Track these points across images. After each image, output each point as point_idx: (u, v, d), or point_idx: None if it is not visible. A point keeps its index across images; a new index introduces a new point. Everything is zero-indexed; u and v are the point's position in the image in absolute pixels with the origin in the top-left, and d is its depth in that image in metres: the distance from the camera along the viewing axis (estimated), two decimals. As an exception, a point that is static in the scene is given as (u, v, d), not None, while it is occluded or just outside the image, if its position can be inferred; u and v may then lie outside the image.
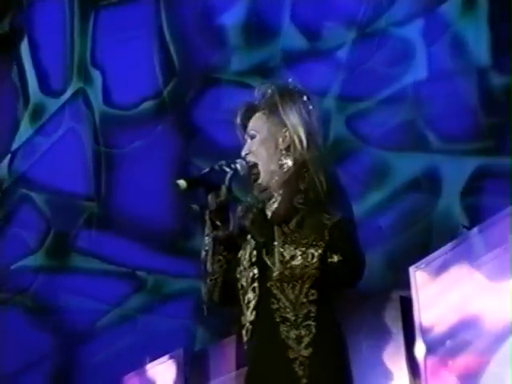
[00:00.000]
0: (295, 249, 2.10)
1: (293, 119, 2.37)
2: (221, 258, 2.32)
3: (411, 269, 3.78)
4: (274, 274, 2.12)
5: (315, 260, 2.10)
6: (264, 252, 2.18)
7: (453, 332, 3.47)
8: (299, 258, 2.10)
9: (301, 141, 2.35)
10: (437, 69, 4.87)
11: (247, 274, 2.23)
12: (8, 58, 6.42)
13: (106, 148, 6.05)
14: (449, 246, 3.65)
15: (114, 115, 6.09)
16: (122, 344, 5.55)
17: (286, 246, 2.11)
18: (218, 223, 2.29)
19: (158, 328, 5.45)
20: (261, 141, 2.37)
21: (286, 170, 2.33)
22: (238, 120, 2.45)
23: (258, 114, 2.42)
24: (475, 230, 3.54)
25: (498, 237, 3.36)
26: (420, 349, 3.61)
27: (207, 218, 2.29)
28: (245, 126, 2.44)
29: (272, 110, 2.39)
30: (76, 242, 5.99)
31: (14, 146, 6.36)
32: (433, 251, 3.74)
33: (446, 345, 3.49)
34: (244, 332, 2.20)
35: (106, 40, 6.21)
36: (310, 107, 2.43)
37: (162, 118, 5.92)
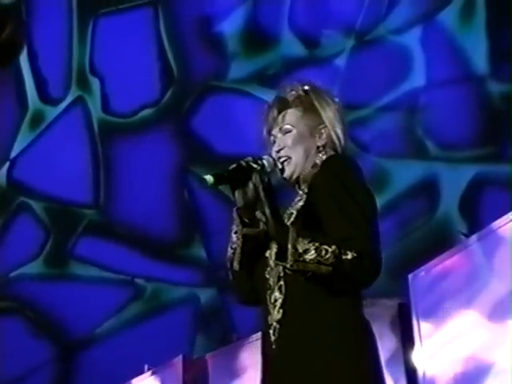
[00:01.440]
0: (309, 243, 2.09)
1: (331, 116, 2.34)
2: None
3: (410, 276, 3.78)
4: (288, 266, 2.07)
5: (329, 256, 2.07)
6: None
7: (451, 339, 3.47)
8: (312, 252, 2.07)
9: (339, 138, 2.32)
10: (435, 76, 4.89)
11: (273, 273, 2.20)
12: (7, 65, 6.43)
13: (104, 155, 6.06)
14: (447, 253, 3.65)
15: (112, 123, 6.09)
16: (121, 351, 5.54)
17: (300, 239, 2.09)
18: (247, 220, 2.23)
19: (157, 335, 5.45)
20: (298, 136, 2.32)
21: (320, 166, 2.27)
22: (269, 114, 2.38)
23: (291, 110, 2.36)
24: (474, 237, 3.54)
25: (496, 244, 3.36)
26: (418, 356, 3.60)
27: (235, 215, 2.24)
28: (274, 121, 2.37)
29: (307, 107, 2.35)
30: (75, 250, 5.99)
31: (13, 153, 6.36)
32: (431, 258, 3.73)
33: (445, 352, 3.49)
34: (271, 331, 2.17)
35: (105, 48, 6.22)
36: (341, 108, 2.39)
37: (160, 125, 5.92)
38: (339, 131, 2.34)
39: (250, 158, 2.23)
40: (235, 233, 2.28)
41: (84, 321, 5.77)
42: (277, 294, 2.19)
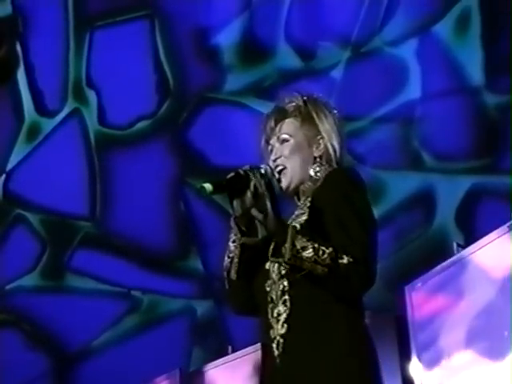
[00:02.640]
0: (307, 241, 2.08)
1: (328, 128, 2.36)
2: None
3: (407, 288, 3.78)
4: (285, 260, 2.09)
5: (326, 256, 2.06)
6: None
7: (448, 351, 3.47)
8: (310, 250, 2.06)
9: (335, 150, 2.34)
10: (431, 88, 4.90)
11: (277, 287, 2.20)
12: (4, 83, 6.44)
13: (101, 167, 6.06)
14: (444, 264, 3.65)
15: (109, 135, 6.10)
16: (118, 364, 5.53)
17: (299, 236, 2.08)
18: (244, 229, 2.22)
19: (154, 348, 5.44)
20: (295, 145, 2.33)
21: (318, 178, 2.30)
22: (267, 124, 2.40)
23: (289, 120, 2.38)
24: (470, 248, 3.54)
25: (493, 255, 3.36)
26: (415, 369, 3.60)
27: (233, 223, 2.24)
28: (272, 131, 2.39)
29: (305, 118, 2.36)
30: (71, 262, 5.98)
31: (9, 166, 6.36)
32: (428, 270, 3.73)
33: (442, 365, 3.49)
34: (274, 345, 2.16)
35: (101, 60, 6.23)
36: (340, 121, 2.41)
37: (157, 137, 5.93)
38: (336, 143, 2.35)
39: (247, 167, 2.24)
40: (233, 242, 2.28)
41: (80, 333, 5.75)
42: (281, 308, 2.18)
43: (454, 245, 3.71)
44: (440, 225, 4.63)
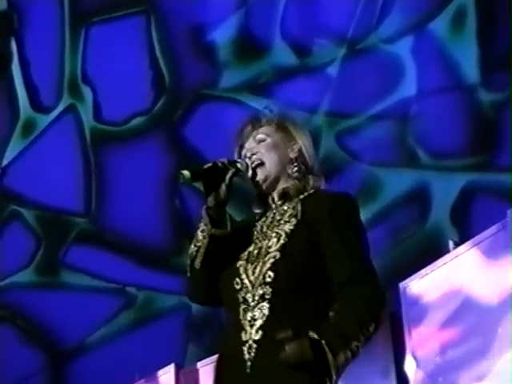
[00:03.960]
0: (344, 351, 2.04)
1: (302, 135, 2.40)
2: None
3: (401, 285, 3.79)
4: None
5: (361, 343, 2.07)
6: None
7: (442, 349, 3.48)
8: (349, 354, 2.04)
9: (310, 157, 2.37)
10: (426, 85, 4.90)
11: (255, 291, 2.18)
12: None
13: (96, 163, 6.06)
14: (439, 261, 3.65)
15: (104, 131, 6.09)
16: (113, 360, 5.53)
17: (339, 357, 2.03)
18: (215, 220, 2.24)
19: (149, 344, 5.44)
20: (272, 144, 2.35)
21: (295, 178, 2.32)
22: (243, 129, 2.41)
23: (265, 126, 2.41)
24: (465, 245, 3.55)
25: (487, 252, 3.37)
26: (409, 365, 3.61)
27: (204, 213, 2.26)
28: (248, 134, 2.40)
29: (280, 126, 2.40)
30: (66, 258, 5.98)
31: (5, 161, 6.35)
32: (423, 267, 3.74)
33: (436, 361, 3.49)
34: (245, 348, 2.13)
35: (97, 56, 6.22)
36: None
37: (152, 133, 5.92)
38: (310, 152, 2.39)
39: (225, 159, 2.28)
40: (201, 231, 2.28)
41: (75, 329, 5.75)
42: (256, 313, 2.16)
43: (449, 242, 3.72)
44: (435, 222, 4.64)
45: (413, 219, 4.75)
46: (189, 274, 2.34)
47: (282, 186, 2.33)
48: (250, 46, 5.65)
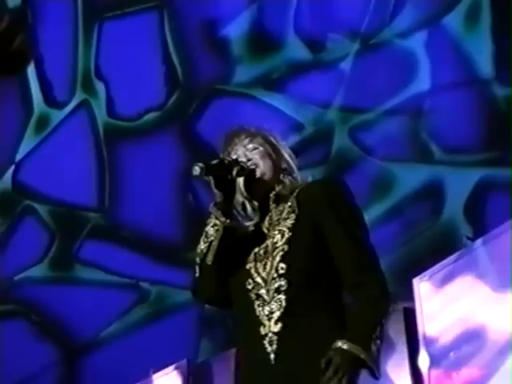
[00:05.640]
0: (371, 341, 2.16)
1: (288, 151, 2.49)
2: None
3: (415, 280, 3.78)
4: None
5: (382, 331, 2.20)
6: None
7: (457, 344, 3.47)
8: (377, 342, 2.18)
9: (296, 169, 2.46)
10: (440, 80, 4.89)
11: (268, 286, 2.23)
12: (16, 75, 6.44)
13: (109, 159, 6.07)
14: (452, 257, 3.65)
15: (117, 126, 6.10)
16: (126, 355, 5.55)
17: (369, 353, 2.16)
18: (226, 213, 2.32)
19: (162, 339, 5.45)
20: (265, 152, 2.42)
21: (285, 187, 2.39)
22: (231, 138, 2.49)
23: (253, 136, 2.48)
24: (479, 241, 3.54)
25: (501, 248, 3.36)
26: (424, 361, 3.60)
27: (213, 209, 2.31)
28: (239, 142, 2.47)
29: (266, 138, 2.47)
30: (79, 253, 6.00)
31: (18, 157, 6.37)
32: (436, 263, 3.73)
33: (450, 357, 3.49)
34: (266, 342, 2.20)
35: (110, 52, 6.23)
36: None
37: (165, 129, 5.93)
38: (296, 165, 2.47)
39: (230, 158, 2.38)
40: (213, 226, 2.34)
41: (89, 324, 5.77)
42: (273, 306, 2.22)
43: (463, 238, 3.71)
44: (449, 217, 4.63)
45: (426, 215, 4.73)
46: (197, 274, 2.38)
47: (281, 191, 2.39)
48: (263, 40, 5.65)
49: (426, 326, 3.62)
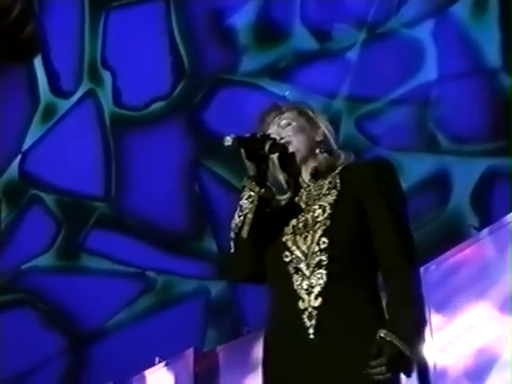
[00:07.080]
0: (412, 334, 2.19)
1: (324, 122, 2.46)
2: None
3: (421, 269, 3.77)
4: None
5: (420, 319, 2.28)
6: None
7: (463, 334, 3.47)
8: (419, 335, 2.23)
9: (334, 140, 2.44)
10: (447, 70, 4.88)
11: (309, 260, 2.22)
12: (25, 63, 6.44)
13: (116, 148, 6.07)
14: (459, 247, 3.64)
15: (124, 116, 6.11)
16: (132, 344, 5.56)
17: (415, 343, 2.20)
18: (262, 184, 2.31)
19: (168, 328, 5.47)
20: (298, 127, 2.40)
21: (322, 162, 2.37)
22: (266, 116, 2.45)
23: (287, 111, 2.45)
24: (485, 230, 3.54)
25: (508, 237, 3.35)
26: (430, 350, 3.60)
27: (248, 181, 2.30)
28: (272, 120, 2.44)
29: (301, 111, 2.45)
30: (86, 243, 6.01)
31: (25, 146, 6.38)
32: (443, 252, 3.73)
33: (457, 346, 3.49)
34: (305, 316, 2.19)
35: (117, 41, 6.23)
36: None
37: (171, 118, 5.93)
38: (333, 134, 2.46)
39: (262, 133, 2.35)
40: (247, 198, 2.30)
41: (95, 313, 5.79)
42: (313, 280, 2.21)
43: (470, 227, 3.71)
44: (455, 207, 4.62)
45: (433, 204, 4.73)
46: (232, 249, 2.33)
47: (311, 165, 2.37)
48: (269, 30, 5.64)
49: (433, 315, 3.62)
